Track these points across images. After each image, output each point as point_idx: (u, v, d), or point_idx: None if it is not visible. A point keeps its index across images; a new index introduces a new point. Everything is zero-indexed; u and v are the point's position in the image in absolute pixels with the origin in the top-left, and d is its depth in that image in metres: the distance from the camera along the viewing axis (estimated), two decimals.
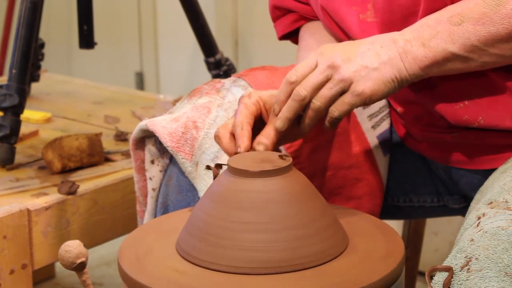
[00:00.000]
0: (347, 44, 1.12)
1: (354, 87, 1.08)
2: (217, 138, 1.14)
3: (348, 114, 1.11)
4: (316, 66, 1.10)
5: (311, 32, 1.35)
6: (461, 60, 1.09)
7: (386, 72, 1.09)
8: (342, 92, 1.09)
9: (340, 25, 1.25)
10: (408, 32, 1.11)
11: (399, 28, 1.17)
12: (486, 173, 1.19)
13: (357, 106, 1.10)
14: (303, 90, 1.09)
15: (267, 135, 1.11)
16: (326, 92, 1.08)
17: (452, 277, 0.93)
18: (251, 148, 1.11)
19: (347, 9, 1.23)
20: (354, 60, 1.09)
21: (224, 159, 1.24)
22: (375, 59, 1.09)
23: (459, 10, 1.09)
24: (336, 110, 1.09)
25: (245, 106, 1.12)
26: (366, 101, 1.09)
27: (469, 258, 0.93)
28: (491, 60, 1.09)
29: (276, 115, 1.11)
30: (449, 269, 0.94)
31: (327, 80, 1.09)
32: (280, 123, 1.10)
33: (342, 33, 1.26)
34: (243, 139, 1.10)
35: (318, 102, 1.09)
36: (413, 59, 1.09)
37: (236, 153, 1.10)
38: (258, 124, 1.14)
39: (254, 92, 1.14)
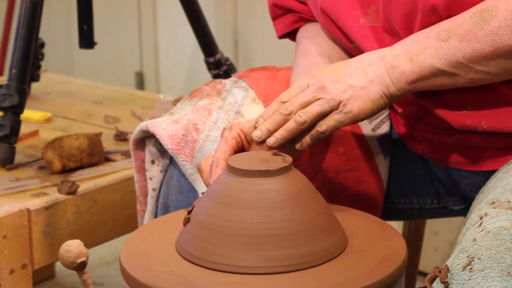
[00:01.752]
0: (338, 64, 1.14)
1: (343, 106, 1.10)
2: (199, 170, 1.16)
3: (333, 131, 1.12)
4: (308, 88, 1.12)
5: (309, 36, 1.35)
6: (447, 75, 1.10)
7: (374, 89, 1.10)
8: (331, 111, 1.10)
9: (342, 29, 1.25)
10: (398, 46, 1.12)
11: (398, 34, 1.17)
12: (488, 174, 1.19)
13: (345, 124, 1.11)
14: (290, 105, 1.11)
15: None
16: (315, 108, 1.10)
17: (448, 271, 0.93)
18: None
19: (347, 13, 1.23)
20: (343, 80, 1.11)
21: None
22: (362, 78, 1.11)
23: (447, 26, 1.09)
24: (324, 124, 1.10)
25: (225, 141, 1.13)
26: (356, 119, 1.11)
27: (472, 258, 0.93)
28: (477, 76, 1.10)
29: (256, 127, 1.13)
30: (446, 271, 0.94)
31: (315, 100, 1.10)
32: (258, 133, 1.12)
33: (343, 37, 1.26)
34: (215, 177, 1.11)
35: (304, 116, 1.10)
36: (400, 74, 1.10)
37: None
38: None
39: (235, 125, 1.15)
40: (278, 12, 1.39)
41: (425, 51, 1.09)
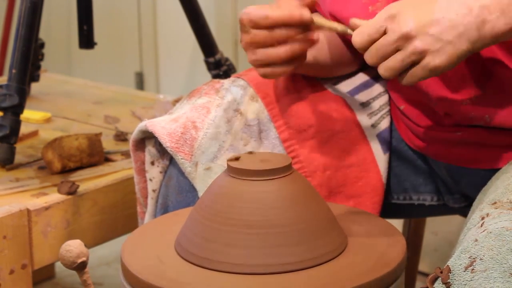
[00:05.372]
0: (418, 4, 1.05)
1: (428, 61, 1.04)
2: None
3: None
4: (385, 32, 1.05)
5: None
6: None
7: (461, 45, 1.03)
8: (413, 65, 1.05)
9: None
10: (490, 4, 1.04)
11: None
12: (489, 173, 1.19)
13: (426, 78, 1.06)
14: (371, 59, 1.06)
15: None
16: (396, 64, 1.05)
17: (450, 272, 0.93)
18: None
19: (357, 2, 1.23)
20: (429, 31, 1.04)
21: (223, 159, 1.24)
22: (450, 31, 1.04)
23: None
24: (404, 79, 1.05)
25: None
26: (437, 74, 1.05)
27: (474, 258, 0.93)
28: None
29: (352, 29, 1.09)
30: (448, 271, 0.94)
31: (397, 50, 1.05)
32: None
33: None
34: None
35: (386, 73, 1.05)
36: (491, 28, 1.03)
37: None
38: None
39: None
40: None
41: None
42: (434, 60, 1.03)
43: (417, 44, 1.03)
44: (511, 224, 0.96)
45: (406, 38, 1.04)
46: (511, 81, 1.17)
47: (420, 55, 1.04)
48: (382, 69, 1.05)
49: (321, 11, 1.31)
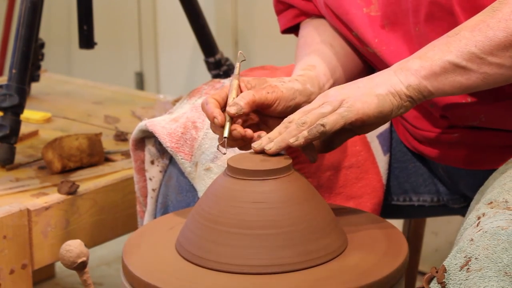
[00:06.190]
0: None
1: (345, 103, 1.06)
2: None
3: (337, 127, 1.06)
4: None
5: (311, 27, 1.34)
6: (459, 70, 1.06)
7: (379, 88, 1.07)
8: (333, 111, 1.06)
9: (342, 19, 1.25)
10: (407, 57, 1.10)
11: (401, 23, 1.16)
12: (486, 174, 1.19)
13: (349, 120, 1.05)
14: (292, 115, 1.09)
15: (242, 97, 1.12)
16: (316, 110, 1.07)
17: (445, 271, 0.93)
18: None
19: (351, 2, 1.23)
20: (347, 86, 1.08)
21: (223, 159, 1.24)
22: (367, 81, 1.08)
23: (458, 27, 1.08)
24: (325, 118, 1.06)
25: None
26: (360, 114, 1.06)
27: (469, 257, 0.93)
28: (491, 71, 1.06)
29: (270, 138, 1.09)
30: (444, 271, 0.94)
31: (318, 106, 1.07)
32: (258, 142, 1.09)
33: (345, 28, 1.26)
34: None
35: (305, 117, 1.06)
36: (408, 70, 1.07)
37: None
38: None
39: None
40: (280, 7, 1.39)
41: (435, 48, 1.07)
42: (351, 102, 1.07)
43: (335, 94, 1.08)
44: (506, 224, 0.96)
45: (326, 95, 1.09)
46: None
47: (338, 101, 1.07)
48: (303, 116, 1.07)
49: (316, 1, 1.31)
